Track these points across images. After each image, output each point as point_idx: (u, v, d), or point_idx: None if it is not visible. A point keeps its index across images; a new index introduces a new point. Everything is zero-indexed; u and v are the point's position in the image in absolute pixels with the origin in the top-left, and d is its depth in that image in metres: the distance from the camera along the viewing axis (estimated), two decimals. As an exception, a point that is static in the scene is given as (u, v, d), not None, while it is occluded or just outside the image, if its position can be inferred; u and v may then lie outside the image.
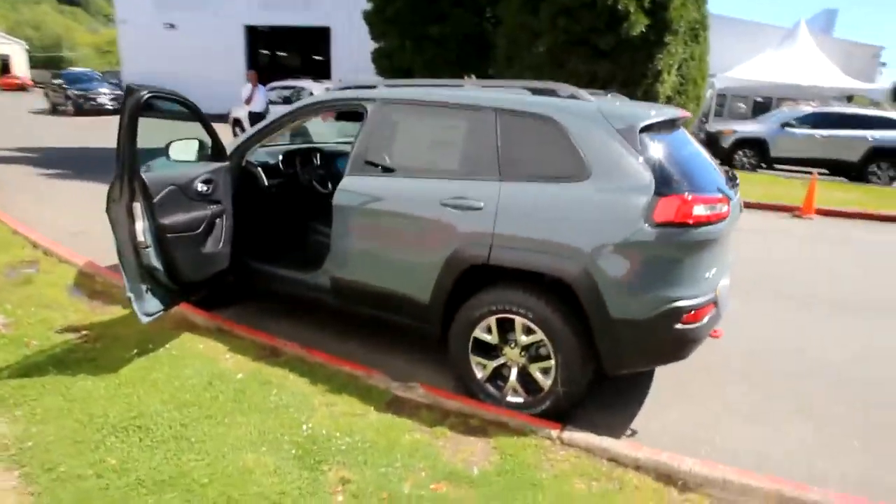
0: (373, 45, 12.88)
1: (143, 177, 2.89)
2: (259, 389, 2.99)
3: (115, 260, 2.98)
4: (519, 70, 10.57)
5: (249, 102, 11.32)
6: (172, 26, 23.09)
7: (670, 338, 2.62)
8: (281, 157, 4.13)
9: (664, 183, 2.56)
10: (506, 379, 2.95)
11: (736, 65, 19.62)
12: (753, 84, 19.18)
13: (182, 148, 3.38)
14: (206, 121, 3.46)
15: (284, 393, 2.97)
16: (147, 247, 2.94)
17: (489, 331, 2.91)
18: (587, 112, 2.75)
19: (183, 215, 3.13)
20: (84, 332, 3.59)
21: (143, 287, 3.04)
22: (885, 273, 6.08)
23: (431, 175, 3.04)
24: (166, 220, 3.01)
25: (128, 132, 2.80)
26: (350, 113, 4.12)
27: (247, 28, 22.38)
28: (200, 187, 3.28)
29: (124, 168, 2.81)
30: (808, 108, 13.61)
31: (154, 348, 3.39)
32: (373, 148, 3.22)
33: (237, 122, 12.97)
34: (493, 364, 2.95)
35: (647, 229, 2.52)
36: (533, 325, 2.76)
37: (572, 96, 2.94)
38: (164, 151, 3.20)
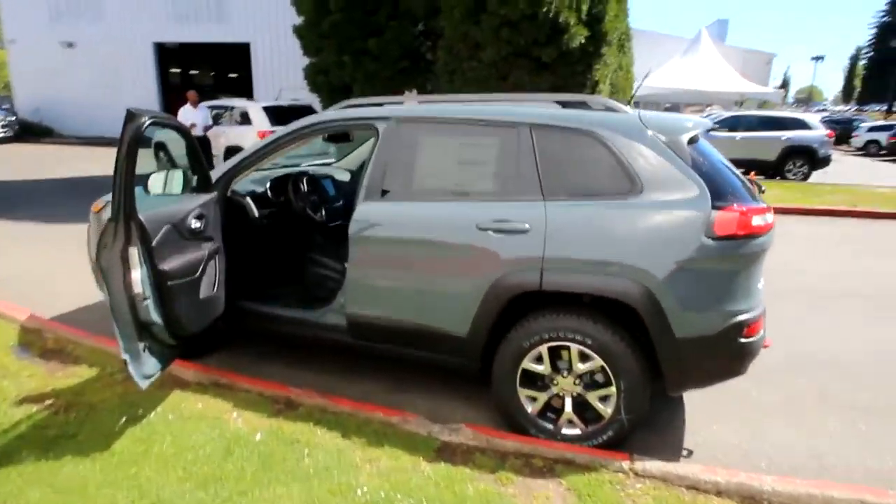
0: (302, 61, 12.42)
1: (141, 217, 2.46)
2: (288, 451, 2.62)
3: (64, 309, 2.57)
4: (461, 84, 10.53)
5: (193, 126, 10.31)
6: (71, 45, 21.27)
7: (734, 353, 2.55)
8: (269, 185, 3.73)
9: (718, 195, 2.49)
10: (558, 410, 2.77)
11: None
12: (664, 91, 20.34)
13: (163, 180, 2.96)
14: (196, 147, 3.05)
15: (318, 452, 2.62)
16: (145, 299, 2.50)
17: (540, 361, 2.71)
18: (630, 125, 2.65)
19: (181, 258, 2.71)
20: (49, 402, 3.04)
21: (141, 346, 2.59)
22: (841, 261, 6.49)
23: (463, 198, 2.82)
24: (166, 266, 2.59)
25: (126, 165, 2.37)
26: (338, 135, 3.87)
27: (156, 45, 20.99)
28: (194, 224, 2.86)
29: (120, 207, 2.38)
30: (726, 113, 14.57)
31: (144, 414, 2.92)
32: (391, 171, 2.95)
33: (161, 147, 11.97)
34: (546, 396, 2.75)
35: (709, 244, 2.44)
36: (590, 352, 2.60)
37: (607, 108, 2.83)
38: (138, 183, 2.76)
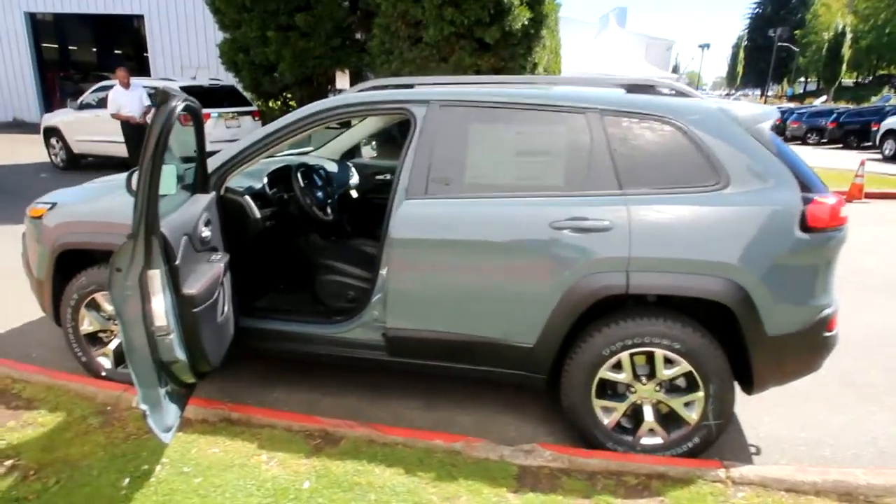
0: (212, 36, 11.31)
1: (163, 230, 1.91)
2: (350, 499, 2.21)
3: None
4: (399, 65, 10.04)
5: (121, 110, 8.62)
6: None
7: (817, 348, 2.47)
8: (266, 180, 3.18)
9: (805, 185, 2.38)
10: (636, 420, 2.57)
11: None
12: (577, 76, 20.94)
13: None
14: (204, 135, 2.48)
15: (386, 496, 2.24)
16: (168, 333, 1.96)
17: (619, 369, 2.49)
18: (711, 112, 2.45)
19: (201, 277, 2.17)
20: (10, 464, 2.39)
21: (161, 392, 2.04)
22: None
23: (528, 193, 2.50)
24: (191, 290, 2.05)
25: (152, 163, 1.82)
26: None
27: (28, 15, 18.29)
28: (204, 233, 2.32)
29: (142, 219, 1.82)
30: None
31: (149, 469, 2.36)
32: (438, 164, 2.56)
33: (53, 133, 10.42)
34: (624, 406, 2.54)
35: (802, 237, 2.32)
36: (676, 357, 2.41)
37: (678, 93, 2.63)
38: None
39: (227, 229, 2.74)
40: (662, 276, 2.35)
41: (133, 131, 8.56)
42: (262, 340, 2.91)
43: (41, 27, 19.57)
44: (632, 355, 2.46)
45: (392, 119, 4.02)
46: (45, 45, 20.95)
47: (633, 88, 2.72)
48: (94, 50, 25.47)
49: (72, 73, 22.35)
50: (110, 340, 3.04)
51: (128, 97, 8.67)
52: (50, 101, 18.90)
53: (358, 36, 11.29)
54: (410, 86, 2.80)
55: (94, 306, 2.98)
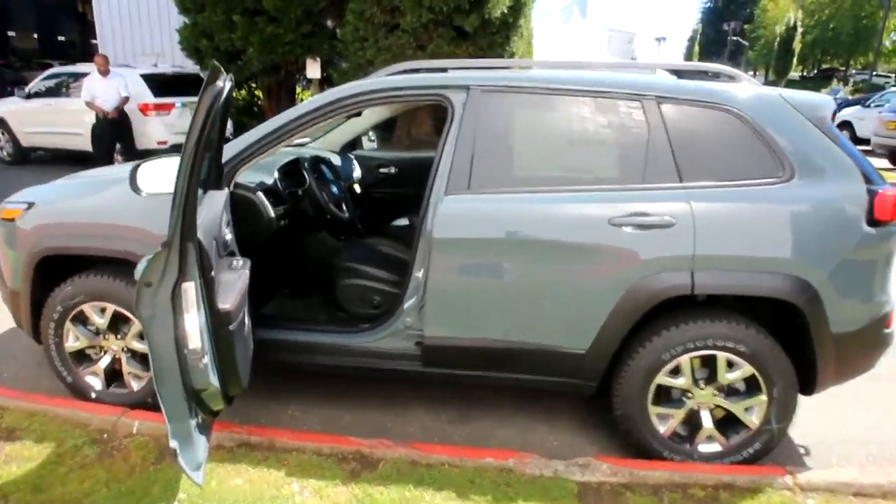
0: (168, 21, 10.65)
1: (200, 236, 1.61)
2: (404, 531, 1.99)
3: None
4: (374, 53, 9.66)
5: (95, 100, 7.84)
6: None
7: (877, 345, 2.38)
8: (277, 175, 2.87)
9: (869, 177, 2.27)
10: (692, 427, 2.43)
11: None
12: (621, 61, 20.98)
13: (160, 172, 2.06)
14: (226, 123, 2.17)
15: (441, 524, 2.02)
16: (203, 356, 1.67)
17: (677, 373, 2.34)
18: (772, 100, 2.31)
19: (231, 288, 1.88)
20: (-2, 509, 2.06)
21: (192, 424, 1.75)
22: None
23: (581, 186, 2.31)
24: (227, 304, 1.76)
25: (197, 150, 1.53)
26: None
27: (-39, -3, 16.90)
28: (228, 236, 2.03)
29: (179, 223, 1.53)
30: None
31: (165, 508, 2.07)
32: (481, 155, 2.34)
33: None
34: (682, 412, 2.39)
35: (869, 230, 2.21)
36: (739, 359, 2.27)
37: (732, 79, 2.47)
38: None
39: (237, 230, 2.44)
40: (730, 275, 2.20)
41: (103, 124, 7.91)
42: (278, 352, 2.63)
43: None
44: (692, 359, 2.31)
45: (406, 107, 3.75)
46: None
47: (681, 73, 2.55)
48: (36, 36, 23.91)
49: (12, 60, 20.88)
50: (100, 357, 2.70)
51: (104, 86, 7.90)
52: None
53: (329, 23, 10.83)
54: (444, 70, 2.56)
55: (81, 320, 2.63)
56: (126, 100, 8.08)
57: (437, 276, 2.34)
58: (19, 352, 3.26)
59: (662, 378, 2.34)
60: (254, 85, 11.77)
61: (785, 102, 2.30)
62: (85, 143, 8.92)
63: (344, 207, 3.16)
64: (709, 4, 61.63)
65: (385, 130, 4.46)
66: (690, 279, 2.19)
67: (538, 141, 2.37)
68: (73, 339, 2.66)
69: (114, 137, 8.13)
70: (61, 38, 23.90)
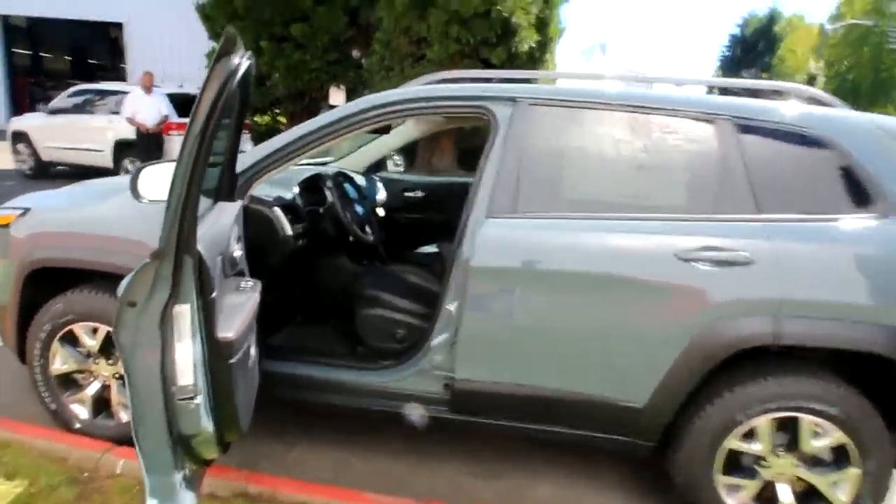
0: (196, 46, 10.75)
1: (200, 248, 1.34)
2: None
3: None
4: (399, 82, 9.58)
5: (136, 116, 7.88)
6: None
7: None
8: (297, 190, 2.61)
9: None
10: (766, 501, 2.06)
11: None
12: (684, 77, 20.98)
13: (167, 177, 1.80)
14: (241, 125, 1.93)
15: None
16: (194, 396, 1.38)
17: (752, 438, 1.99)
18: (863, 125, 2.03)
19: (235, 313, 1.59)
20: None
21: (178, 478, 1.44)
22: None
23: (642, 214, 2.01)
24: (227, 332, 1.47)
25: (201, 141, 1.27)
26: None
27: (1, 18, 17.37)
28: (236, 252, 1.76)
29: (176, 227, 1.26)
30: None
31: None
32: (528, 175, 2.06)
33: (21, 139, 9.60)
34: (756, 484, 2.03)
35: None
36: (827, 423, 1.92)
37: (813, 100, 2.20)
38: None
39: (249, 248, 2.17)
40: (824, 325, 1.87)
41: (145, 140, 7.99)
42: (286, 388, 2.32)
43: (14, 32, 18.65)
44: (770, 421, 1.97)
45: (439, 125, 3.52)
46: (16, 50, 20.00)
47: (759, 94, 2.28)
48: (68, 58, 24.53)
49: (43, 80, 21.36)
50: (88, 384, 2.41)
51: (146, 103, 7.99)
52: (18, 108, 17.88)
53: (355, 53, 10.85)
54: (488, 80, 2.32)
55: (71, 341, 2.36)
56: (166, 118, 8.13)
57: (474, 311, 2.03)
58: (5, 373, 2.98)
59: (734, 442, 1.99)
60: (277, 111, 11.78)
61: (879, 129, 2.02)
62: (105, 160, 8.86)
63: (368, 230, 2.89)
64: (727, 53, 62.34)
65: (409, 154, 4.21)
66: (775, 327, 1.87)
67: (594, 161, 2.09)
68: (61, 362, 2.38)
69: (152, 151, 8.14)
70: (92, 62, 24.49)
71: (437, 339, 2.15)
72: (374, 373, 2.28)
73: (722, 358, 1.91)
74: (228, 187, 2.01)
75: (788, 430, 1.98)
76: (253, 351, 1.85)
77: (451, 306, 2.10)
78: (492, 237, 2.01)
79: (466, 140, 10.91)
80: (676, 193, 2.05)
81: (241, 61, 1.47)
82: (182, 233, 1.28)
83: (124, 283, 1.33)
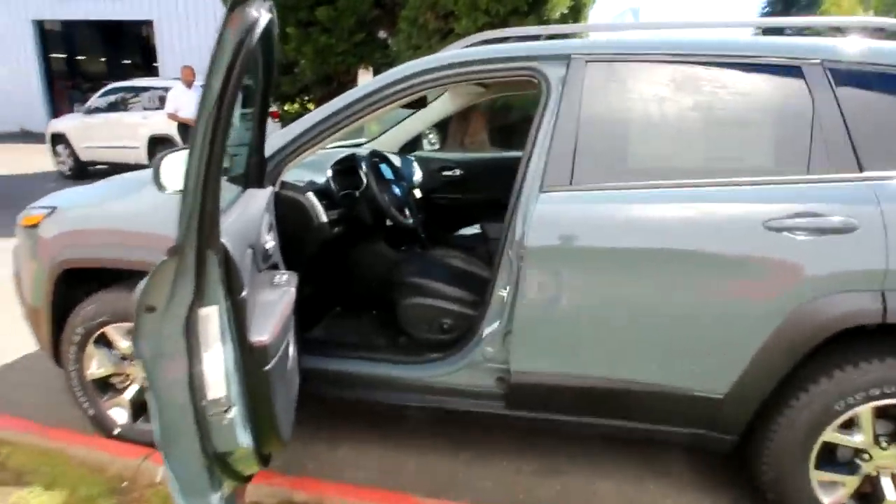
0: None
1: (226, 241, 1.18)
2: None
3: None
4: (427, 60, 9.36)
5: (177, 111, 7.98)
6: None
7: None
8: (330, 173, 2.45)
9: None
10: (867, 498, 1.81)
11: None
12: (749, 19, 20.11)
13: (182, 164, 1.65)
14: (267, 102, 1.77)
15: None
16: (228, 408, 1.23)
17: (853, 428, 1.74)
18: None
19: (269, 313, 1.43)
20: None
21: (215, 499, 1.31)
22: None
23: (722, 179, 1.76)
24: (262, 336, 1.31)
25: (220, 111, 1.10)
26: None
27: (36, 24, 17.78)
28: (269, 244, 1.60)
29: (195, 217, 1.10)
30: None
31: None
32: (589, 142, 1.83)
33: (59, 140, 9.78)
34: (856, 480, 1.79)
35: None
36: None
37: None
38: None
39: (282, 238, 2.02)
40: (940, 298, 1.60)
41: (186, 134, 7.95)
42: (327, 385, 2.18)
43: (49, 37, 19.10)
44: (873, 409, 1.71)
45: (484, 94, 3.27)
46: (53, 55, 20.50)
47: (839, 29, 1.97)
48: (103, 60, 25.02)
49: (80, 82, 21.87)
50: (126, 387, 2.32)
51: (188, 97, 7.90)
52: (58, 111, 18.37)
53: (381, 34, 10.62)
54: (536, 38, 2.08)
55: (106, 343, 2.27)
56: None
57: (530, 295, 1.83)
58: (40, 378, 2.94)
59: (832, 434, 1.75)
60: (307, 98, 11.68)
61: None
62: (141, 157, 8.94)
63: (407, 212, 2.71)
64: (767, 10, 59.33)
65: (441, 132, 3.99)
66: (882, 302, 1.61)
67: (663, 122, 1.84)
68: (96, 366, 2.29)
69: None
70: (127, 62, 24.90)
71: (489, 329, 1.96)
72: (420, 366, 2.11)
73: (820, 340, 1.66)
74: (257, 173, 1.85)
75: (891, 419, 1.73)
76: (291, 350, 1.70)
77: (503, 292, 1.91)
78: (548, 214, 1.80)
79: (499, 117, 10.61)
80: (763, 153, 1.78)
81: (260, 13, 1.26)
82: (203, 224, 1.11)
83: (141, 285, 1.18)
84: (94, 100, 9.85)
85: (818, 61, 1.74)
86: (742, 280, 1.71)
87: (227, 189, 1.72)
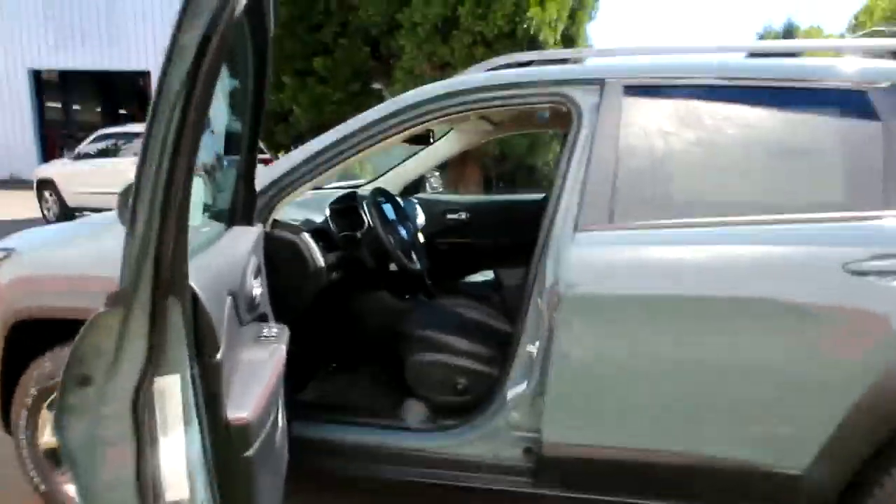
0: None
1: (194, 285, 0.90)
2: None
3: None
4: (423, 109, 9.35)
5: None
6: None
7: None
8: (329, 213, 2.20)
9: None
10: None
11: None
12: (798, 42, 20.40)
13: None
14: (258, 126, 1.52)
15: None
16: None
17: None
18: None
19: (253, 378, 1.13)
20: None
21: None
22: None
23: (786, 216, 1.52)
24: (242, 412, 1.00)
25: (180, 123, 0.84)
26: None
27: (32, 73, 17.91)
28: (255, 290, 1.32)
29: (148, 249, 0.82)
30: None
31: None
32: (628, 175, 1.60)
33: (46, 185, 9.56)
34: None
35: None
36: None
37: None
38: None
39: (273, 284, 1.74)
40: None
41: None
42: (320, 457, 1.86)
43: (45, 86, 19.22)
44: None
45: (499, 129, 3.05)
46: (48, 104, 20.61)
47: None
48: (98, 109, 25.19)
49: (75, 130, 21.90)
50: (85, 457, 1.97)
51: None
52: (50, 158, 18.27)
53: (377, 85, 10.68)
54: (564, 61, 1.88)
55: (64, 405, 1.93)
56: None
57: (568, 352, 1.55)
58: None
59: (939, 518, 1.45)
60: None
61: None
62: (130, 203, 8.71)
63: (414, 256, 2.44)
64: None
65: (453, 169, 3.78)
66: None
67: (713, 152, 1.61)
68: (51, 433, 1.95)
69: None
70: (122, 112, 25.09)
71: (515, 391, 1.67)
72: (431, 435, 1.81)
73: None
74: (245, 208, 1.59)
75: None
76: (281, 421, 1.39)
77: (531, 347, 1.63)
78: (586, 256, 1.54)
79: (494, 166, 10.57)
80: (829, 186, 1.56)
81: None
82: (161, 262, 0.81)
83: (72, 349, 0.87)
84: (85, 146, 9.71)
85: (882, 86, 1.54)
86: (821, 333, 1.45)
87: (209, 226, 1.46)
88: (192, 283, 0.92)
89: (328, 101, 9.82)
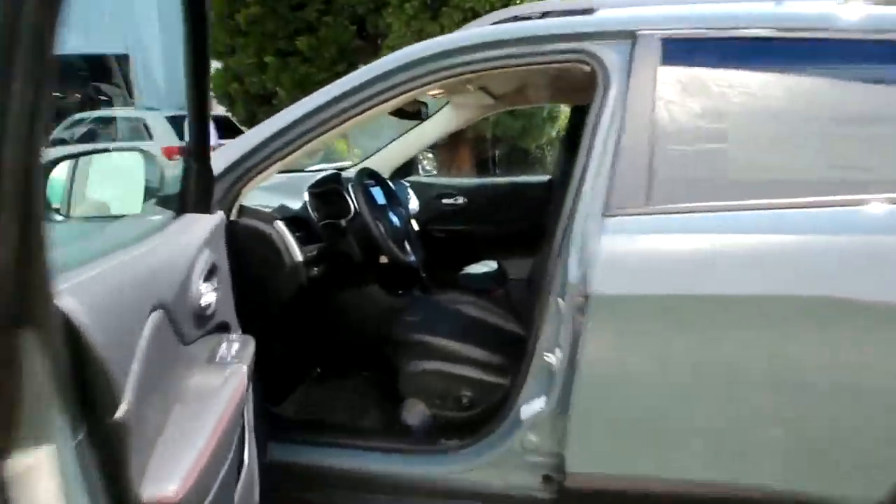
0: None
1: (71, 305, 0.60)
2: None
3: None
4: (412, 90, 9.02)
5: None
6: None
7: None
8: (308, 197, 1.90)
9: None
10: None
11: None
12: None
13: (104, 179, 1.09)
14: (205, 82, 1.23)
15: None
16: None
17: None
18: None
19: (191, 426, 0.83)
20: None
21: None
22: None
23: (870, 196, 1.25)
24: (171, 483, 0.70)
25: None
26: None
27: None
28: (205, 296, 1.03)
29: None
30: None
31: None
32: (666, 151, 1.32)
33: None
34: None
35: None
36: None
37: None
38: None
39: (240, 284, 1.44)
40: None
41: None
42: (300, 486, 1.58)
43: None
44: None
45: (505, 101, 2.73)
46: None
47: None
48: (78, 95, 24.57)
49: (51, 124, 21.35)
50: None
51: None
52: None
53: (363, 65, 10.32)
54: (590, 10, 1.57)
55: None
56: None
57: (599, 363, 1.27)
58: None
59: None
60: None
61: None
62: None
63: (407, 247, 2.15)
64: None
65: (451, 149, 3.48)
66: None
67: (773, 120, 1.33)
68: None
69: None
70: (102, 98, 24.52)
71: (531, 407, 1.40)
72: (430, 458, 1.55)
73: None
74: (200, 191, 1.28)
75: None
76: (246, 458, 1.10)
77: (551, 356, 1.35)
78: (620, 247, 1.26)
79: (486, 149, 10.26)
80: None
81: None
82: (6, 275, 0.50)
83: None
84: (58, 131, 9.25)
85: None
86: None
87: (151, 214, 1.16)
88: (71, 302, 0.61)
89: (313, 82, 9.43)
